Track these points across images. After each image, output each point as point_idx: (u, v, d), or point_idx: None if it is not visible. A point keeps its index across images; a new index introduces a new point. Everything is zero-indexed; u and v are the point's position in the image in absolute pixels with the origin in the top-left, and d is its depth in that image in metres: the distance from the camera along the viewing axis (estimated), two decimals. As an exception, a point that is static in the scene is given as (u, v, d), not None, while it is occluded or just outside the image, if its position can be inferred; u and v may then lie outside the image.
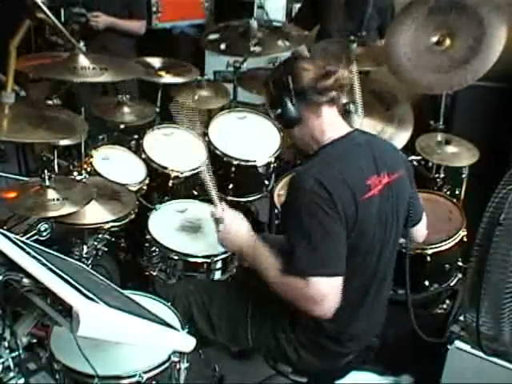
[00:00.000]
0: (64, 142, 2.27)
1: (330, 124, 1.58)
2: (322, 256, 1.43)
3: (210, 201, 2.42)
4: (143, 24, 3.46)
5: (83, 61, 2.07)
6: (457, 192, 2.55)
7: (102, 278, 1.58)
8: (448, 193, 2.53)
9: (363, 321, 1.64)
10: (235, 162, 2.49)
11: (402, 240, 1.69)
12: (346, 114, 1.75)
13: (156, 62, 2.98)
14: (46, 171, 1.93)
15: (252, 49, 2.72)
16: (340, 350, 1.64)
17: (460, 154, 2.48)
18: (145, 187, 2.46)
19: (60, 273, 1.15)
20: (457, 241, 2.17)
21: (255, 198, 2.64)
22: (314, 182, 1.44)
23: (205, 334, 1.71)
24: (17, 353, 1.25)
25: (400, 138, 2.48)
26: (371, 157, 1.56)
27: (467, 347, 1.72)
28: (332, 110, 1.59)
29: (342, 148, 1.56)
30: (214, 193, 1.74)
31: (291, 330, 1.63)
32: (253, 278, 1.61)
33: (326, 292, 1.42)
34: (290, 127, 1.63)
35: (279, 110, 1.58)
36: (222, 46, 2.79)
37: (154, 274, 2.11)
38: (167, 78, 2.87)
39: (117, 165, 2.47)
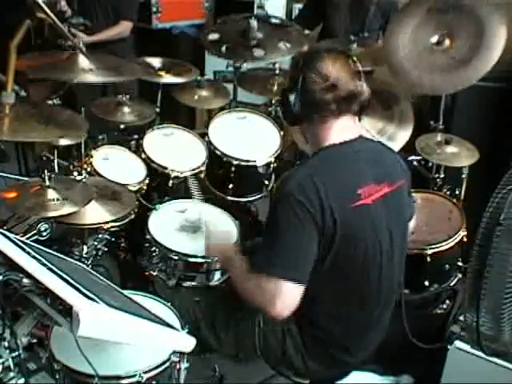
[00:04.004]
0: (64, 142, 2.26)
1: (337, 130, 1.53)
2: (284, 259, 1.43)
3: (209, 201, 2.46)
4: (128, 26, 3.44)
5: (83, 61, 2.07)
6: (457, 192, 2.55)
7: (102, 277, 1.59)
8: (448, 193, 2.53)
9: (375, 330, 1.64)
10: (235, 162, 2.49)
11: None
12: None
13: (156, 61, 2.98)
14: (46, 171, 1.93)
15: (255, 54, 2.73)
16: (349, 360, 1.63)
17: (460, 154, 2.47)
18: (145, 187, 2.46)
19: (60, 273, 1.15)
20: (457, 241, 2.16)
21: (255, 198, 2.64)
22: (295, 185, 1.43)
23: (211, 346, 1.71)
24: (17, 353, 1.25)
25: (401, 136, 2.47)
26: (370, 165, 1.52)
27: (467, 347, 1.72)
28: (340, 119, 1.52)
29: (338, 154, 1.52)
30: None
31: (300, 340, 1.61)
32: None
33: (280, 294, 1.42)
34: (292, 125, 1.63)
35: (282, 106, 1.58)
36: (223, 49, 2.80)
37: (154, 274, 2.10)
38: (167, 78, 2.87)
39: (117, 165, 2.47)
